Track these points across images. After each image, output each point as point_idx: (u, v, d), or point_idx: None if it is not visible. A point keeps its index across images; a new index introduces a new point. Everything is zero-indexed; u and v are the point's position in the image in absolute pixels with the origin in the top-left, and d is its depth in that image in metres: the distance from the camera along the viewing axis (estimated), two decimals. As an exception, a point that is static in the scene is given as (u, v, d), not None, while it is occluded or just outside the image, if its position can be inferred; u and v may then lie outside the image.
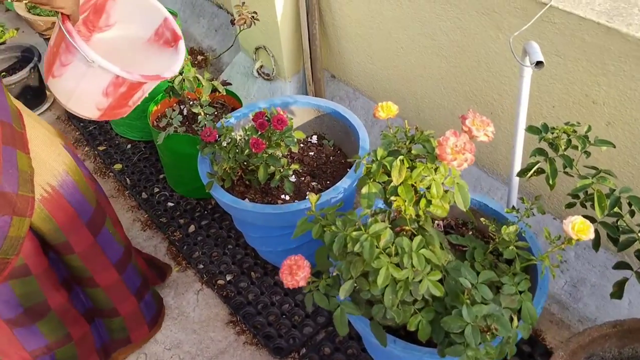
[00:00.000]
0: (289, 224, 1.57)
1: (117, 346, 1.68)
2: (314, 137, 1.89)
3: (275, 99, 1.86)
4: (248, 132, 1.52)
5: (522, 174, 1.22)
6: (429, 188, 1.04)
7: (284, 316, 1.76)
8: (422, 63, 1.89)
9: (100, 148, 2.46)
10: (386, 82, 2.10)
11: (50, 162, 1.35)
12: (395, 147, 1.11)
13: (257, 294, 1.83)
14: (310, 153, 1.83)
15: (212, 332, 1.77)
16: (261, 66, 2.46)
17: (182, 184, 2.15)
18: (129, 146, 2.44)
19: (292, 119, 1.63)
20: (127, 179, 2.29)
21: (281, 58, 2.30)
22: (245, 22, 1.79)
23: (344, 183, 1.55)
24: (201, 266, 1.94)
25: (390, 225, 1.02)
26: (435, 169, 1.05)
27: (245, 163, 1.53)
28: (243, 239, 2.00)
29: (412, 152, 1.06)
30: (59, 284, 1.44)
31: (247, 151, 1.43)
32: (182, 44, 1.42)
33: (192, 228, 2.06)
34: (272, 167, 1.51)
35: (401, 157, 1.05)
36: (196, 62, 2.78)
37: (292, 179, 1.66)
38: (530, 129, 1.20)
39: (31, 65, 2.55)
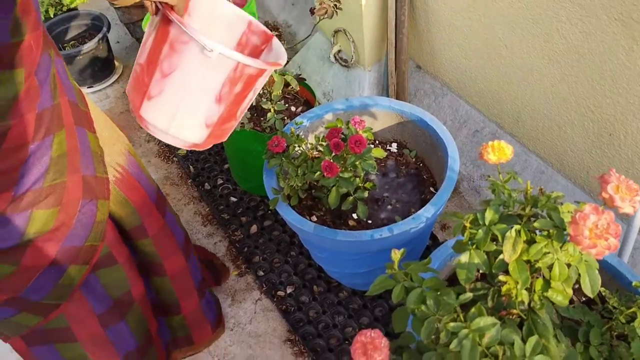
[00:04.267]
0: (361, 250, 1.39)
1: (178, 345, 1.59)
2: (394, 145, 1.67)
3: (354, 99, 1.65)
4: (320, 146, 1.33)
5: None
6: (549, 267, 0.82)
7: (346, 342, 1.60)
8: (529, 66, 1.61)
9: (165, 129, 2.34)
10: (481, 81, 1.83)
11: (114, 141, 1.26)
12: (508, 209, 0.89)
13: (318, 312, 1.68)
14: (389, 163, 1.62)
15: (268, 350, 1.65)
16: (339, 51, 2.23)
17: (246, 179, 2.00)
18: (194, 129, 2.31)
19: (370, 129, 1.42)
20: (191, 167, 2.17)
21: (362, 44, 2.07)
22: (326, 12, 1.57)
23: (427, 212, 1.34)
24: (261, 273, 1.80)
25: (494, 311, 0.82)
26: (561, 245, 0.83)
27: (315, 182, 1.35)
28: (307, 249, 1.84)
29: (535, 224, 0.83)
30: (138, 273, 1.36)
31: (318, 173, 1.24)
32: (276, 42, 1.26)
33: (254, 228, 1.92)
34: (344, 189, 1.32)
35: (517, 227, 0.83)
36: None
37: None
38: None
39: (100, 35, 2.45)
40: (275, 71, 1.61)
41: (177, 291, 1.47)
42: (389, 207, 1.52)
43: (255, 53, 1.28)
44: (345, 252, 1.42)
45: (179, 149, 2.24)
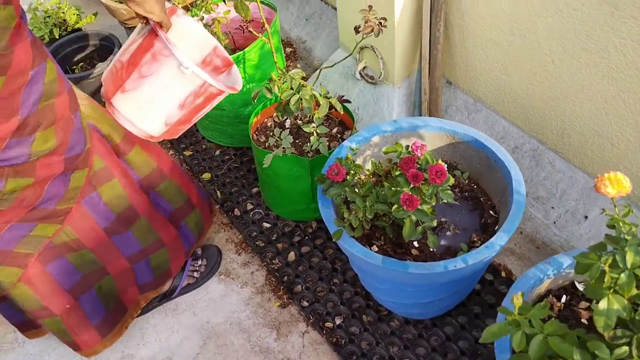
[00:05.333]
0: (430, 282, 1.32)
1: (200, 239, 1.76)
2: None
3: (402, 121, 1.59)
4: (377, 170, 1.26)
5: None
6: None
7: (405, 374, 1.54)
8: (579, 82, 1.58)
9: (187, 153, 2.25)
10: (523, 97, 1.79)
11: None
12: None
13: (371, 344, 1.61)
14: (440, 185, 1.57)
15: (322, 386, 1.57)
16: (364, 67, 2.18)
17: (281, 204, 1.92)
18: (217, 152, 2.23)
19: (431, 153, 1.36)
20: (218, 192, 2.08)
21: (392, 61, 2.01)
22: (372, 30, 1.51)
23: (500, 239, 1.28)
24: (305, 303, 1.72)
25: (638, 360, 0.76)
26: None
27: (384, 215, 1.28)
28: (350, 273, 1.77)
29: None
30: (139, 188, 1.49)
31: (396, 207, 1.17)
32: (235, 68, 1.51)
33: (292, 256, 1.85)
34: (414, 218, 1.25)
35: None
36: (284, 55, 2.53)
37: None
38: None
39: (112, 56, 2.35)
40: (320, 94, 1.54)
41: (184, 189, 1.63)
42: (448, 233, 1.46)
43: (217, 73, 1.52)
44: (411, 283, 1.36)
45: (202, 174, 2.15)
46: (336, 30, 2.50)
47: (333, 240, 1.31)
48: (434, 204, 1.22)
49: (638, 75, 1.42)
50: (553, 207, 1.79)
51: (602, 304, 0.79)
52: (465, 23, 1.84)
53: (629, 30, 1.37)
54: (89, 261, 1.47)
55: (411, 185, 1.16)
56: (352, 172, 1.35)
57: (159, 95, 1.27)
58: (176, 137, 1.40)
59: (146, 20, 1.26)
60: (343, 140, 1.83)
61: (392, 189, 1.20)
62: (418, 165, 1.19)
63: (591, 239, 1.71)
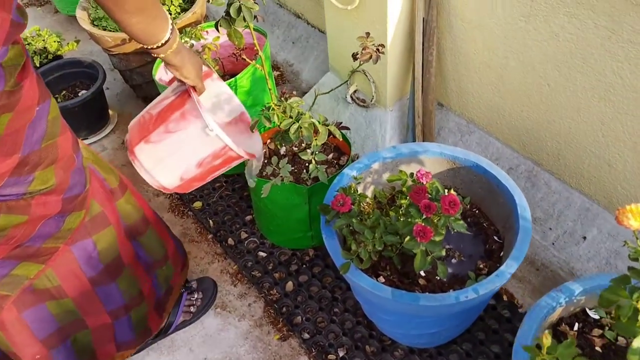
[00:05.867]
0: (439, 313, 1.30)
1: (167, 297, 1.65)
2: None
3: (402, 147, 1.57)
4: (400, 206, 1.24)
5: None
6: None
7: (412, 406, 1.50)
8: (575, 104, 1.59)
9: (176, 182, 2.20)
10: (517, 119, 1.80)
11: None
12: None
13: (376, 375, 1.57)
14: (441, 211, 1.55)
15: (327, 421, 1.52)
16: (355, 90, 2.17)
17: (277, 233, 1.88)
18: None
19: (437, 181, 1.35)
20: (210, 221, 2.03)
21: (384, 84, 2.01)
22: (370, 57, 1.50)
23: (510, 267, 1.26)
24: (306, 335, 1.68)
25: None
26: None
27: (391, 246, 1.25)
28: (350, 301, 1.73)
29: None
30: (125, 236, 1.44)
31: (408, 239, 1.14)
32: (257, 135, 1.57)
33: (290, 285, 1.80)
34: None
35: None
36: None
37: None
38: None
39: (97, 84, 2.29)
40: (318, 121, 1.52)
41: (162, 237, 1.57)
42: (454, 260, 1.44)
43: (239, 136, 1.57)
44: (420, 315, 1.33)
45: (193, 202, 2.10)
46: (323, 53, 2.49)
47: (340, 273, 1.27)
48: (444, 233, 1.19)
49: (636, 98, 1.43)
50: (551, 228, 1.79)
51: (637, 343, 0.77)
52: (457, 46, 1.84)
53: (627, 54, 1.38)
54: (68, 311, 1.39)
55: (424, 216, 1.13)
56: (357, 201, 1.32)
57: (180, 151, 1.32)
58: (187, 192, 1.44)
59: (181, 81, 1.32)
60: (339, 165, 1.81)
61: (402, 219, 1.18)
62: (429, 196, 1.17)
63: (590, 260, 1.71)
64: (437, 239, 1.13)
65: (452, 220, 1.15)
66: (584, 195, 1.74)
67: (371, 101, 2.09)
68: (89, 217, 1.30)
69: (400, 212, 1.32)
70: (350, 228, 1.30)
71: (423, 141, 2.02)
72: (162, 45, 1.15)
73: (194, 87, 1.31)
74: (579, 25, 1.44)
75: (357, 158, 2.17)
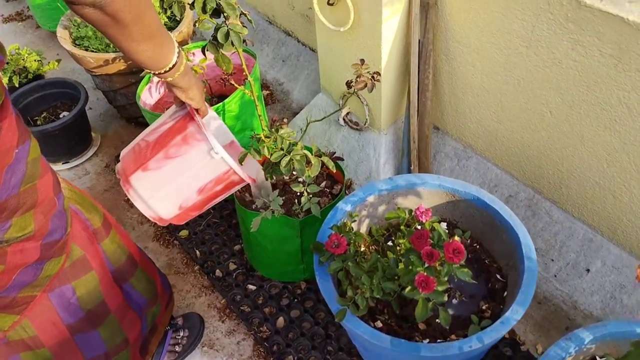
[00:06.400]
0: None
1: (151, 336, 1.55)
2: (443, 225, 1.53)
3: (398, 179, 1.49)
4: (398, 245, 1.15)
5: None
6: None
7: None
8: (579, 133, 1.52)
9: (161, 208, 2.10)
10: (517, 145, 1.73)
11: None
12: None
13: (373, 420, 1.48)
14: (440, 245, 1.47)
15: None
16: (348, 113, 2.09)
17: (267, 265, 1.79)
18: (194, 207, 2.09)
19: (438, 220, 1.27)
20: (197, 251, 1.93)
21: (378, 107, 1.93)
22: (365, 86, 1.42)
23: (516, 314, 1.19)
24: (299, 376, 1.59)
25: None
26: None
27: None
28: (344, 339, 1.65)
29: None
30: (113, 281, 1.34)
31: (409, 289, 1.06)
32: (253, 161, 1.50)
33: (281, 321, 1.71)
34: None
35: None
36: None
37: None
38: None
39: (79, 106, 2.19)
40: (311, 152, 1.44)
41: (152, 276, 1.49)
42: (455, 301, 1.36)
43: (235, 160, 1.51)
44: (420, 362, 1.25)
45: (179, 231, 2.00)
46: (314, 72, 2.42)
47: (336, 320, 1.19)
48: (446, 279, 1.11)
49: (643, 129, 1.37)
50: (553, 260, 1.72)
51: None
52: (454, 70, 1.77)
53: (634, 83, 1.32)
54: None
55: (426, 265, 1.05)
56: (353, 242, 1.24)
57: (181, 177, 1.26)
58: (182, 223, 1.36)
59: (182, 104, 1.27)
60: (332, 194, 1.72)
61: (401, 262, 1.10)
62: (431, 241, 1.09)
63: (594, 293, 1.64)
64: (441, 288, 1.05)
65: (456, 268, 1.07)
66: (587, 226, 1.67)
67: (364, 124, 2.01)
68: (69, 262, 1.21)
69: (399, 252, 1.24)
70: (346, 270, 1.22)
71: (419, 166, 1.94)
72: (170, 69, 1.09)
73: (197, 110, 1.25)
74: (584, 53, 1.38)
75: (351, 183, 2.09)
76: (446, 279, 1.07)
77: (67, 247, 1.18)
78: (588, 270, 1.65)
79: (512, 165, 1.80)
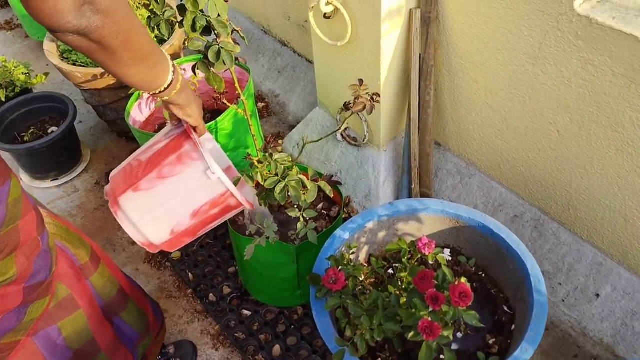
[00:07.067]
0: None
1: None
2: (447, 252, 1.46)
3: (399, 203, 1.42)
4: (399, 279, 1.08)
5: None
6: None
7: None
8: (588, 154, 1.45)
9: (152, 228, 2.03)
10: (523, 165, 1.66)
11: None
12: None
13: None
14: (443, 273, 1.39)
15: None
16: (347, 129, 2.02)
17: (262, 291, 1.72)
18: (187, 227, 2.01)
19: (441, 251, 1.19)
20: (190, 274, 1.86)
21: (377, 124, 1.86)
22: (364, 108, 1.35)
23: (525, 353, 1.11)
24: (296, 409, 1.52)
25: None
26: None
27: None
28: (344, 368, 1.57)
29: None
30: (103, 316, 1.26)
31: (413, 332, 0.99)
32: (249, 186, 1.39)
33: (277, 350, 1.64)
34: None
35: None
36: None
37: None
38: None
39: (67, 121, 2.12)
40: (307, 171, 1.37)
41: (143, 308, 1.41)
42: (459, 334, 1.28)
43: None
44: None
45: (171, 252, 1.92)
46: (311, 84, 2.34)
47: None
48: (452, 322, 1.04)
49: (657, 152, 1.30)
50: (560, 284, 1.65)
51: None
52: (456, 86, 1.70)
53: (648, 105, 1.25)
54: None
55: (430, 309, 0.98)
56: (351, 276, 1.17)
57: (174, 199, 1.17)
58: (173, 251, 1.27)
59: (178, 122, 1.21)
60: (330, 217, 1.65)
61: (404, 301, 1.02)
62: (435, 282, 1.02)
63: (604, 320, 1.57)
64: (446, 333, 0.98)
65: (462, 312, 1.00)
66: (596, 249, 1.60)
67: (363, 140, 1.94)
68: (55, 302, 1.12)
69: (401, 288, 1.17)
70: (344, 308, 1.14)
71: (420, 184, 1.87)
72: (165, 89, 1.02)
73: (194, 128, 1.19)
74: (594, 72, 1.31)
75: (349, 201, 2.02)
76: (452, 322, 1.00)
77: (52, 287, 1.10)
78: (598, 295, 1.58)
79: (518, 185, 1.73)
